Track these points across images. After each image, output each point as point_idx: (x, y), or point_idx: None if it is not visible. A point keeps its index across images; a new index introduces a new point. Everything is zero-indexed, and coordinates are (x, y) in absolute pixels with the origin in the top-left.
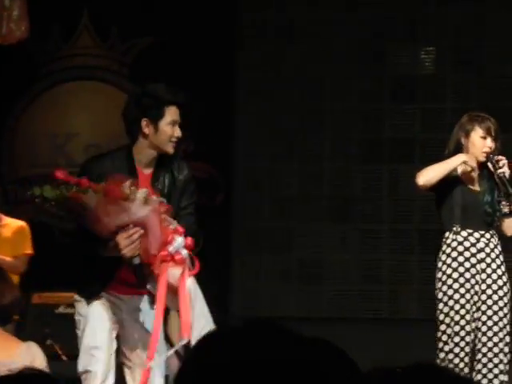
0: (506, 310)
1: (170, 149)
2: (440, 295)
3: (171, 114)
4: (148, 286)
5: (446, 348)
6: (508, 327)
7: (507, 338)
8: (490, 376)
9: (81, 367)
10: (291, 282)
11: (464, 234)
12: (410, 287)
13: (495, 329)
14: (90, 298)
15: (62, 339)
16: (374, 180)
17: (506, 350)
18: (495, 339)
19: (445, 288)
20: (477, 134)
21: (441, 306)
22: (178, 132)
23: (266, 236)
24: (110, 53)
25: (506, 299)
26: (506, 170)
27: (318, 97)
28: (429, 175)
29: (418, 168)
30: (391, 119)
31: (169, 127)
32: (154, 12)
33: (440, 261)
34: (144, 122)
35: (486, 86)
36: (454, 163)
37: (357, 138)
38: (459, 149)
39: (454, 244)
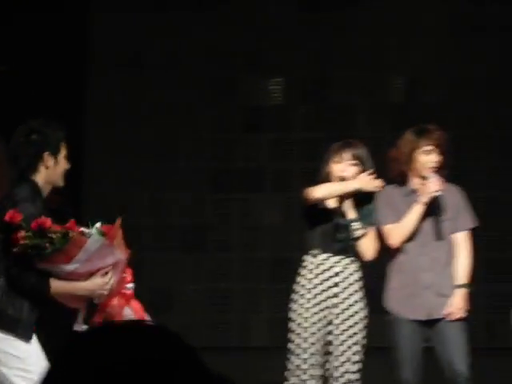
0: (359, 336)
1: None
2: (293, 317)
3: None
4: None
5: (296, 373)
6: (358, 355)
7: (356, 366)
8: None
9: None
10: None
11: (322, 257)
12: (259, 315)
13: (348, 354)
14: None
15: None
16: (225, 208)
17: (356, 375)
18: (347, 365)
19: (296, 307)
20: (336, 163)
21: (292, 326)
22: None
23: None
24: None
25: (360, 325)
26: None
27: (171, 124)
28: (327, 191)
29: (268, 196)
30: (242, 148)
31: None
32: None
33: (297, 284)
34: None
35: (332, 114)
36: (349, 188)
37: (208, 167)
38: (327, 178)
39: (311, 267)
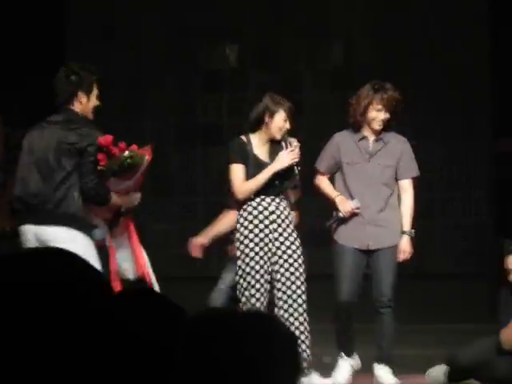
0: (299, 260)
1: None
2: (238, 254)
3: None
4: None
5: (243, 299)
6: (302, 276)
7: (303, 287)
8: (291, 319)
9: None
10: None
11: (257, 200)
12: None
13: (292, 278)
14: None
15: None
16: (189, 159)
17: (304, 297)
18: (293, 287)
19: (242, 247)
20: (280, 116)
21: (239, 262)
22: None
23: None
24: None
25: (298, 251)
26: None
27: (140, 87)
28: (254, 186)
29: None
30: (202, 107)
31: None
32: None
33: (239, 224)
34: None
35: (280, 77)
36: (271, 172)
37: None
38: (260, 123)
39: (250, 209)
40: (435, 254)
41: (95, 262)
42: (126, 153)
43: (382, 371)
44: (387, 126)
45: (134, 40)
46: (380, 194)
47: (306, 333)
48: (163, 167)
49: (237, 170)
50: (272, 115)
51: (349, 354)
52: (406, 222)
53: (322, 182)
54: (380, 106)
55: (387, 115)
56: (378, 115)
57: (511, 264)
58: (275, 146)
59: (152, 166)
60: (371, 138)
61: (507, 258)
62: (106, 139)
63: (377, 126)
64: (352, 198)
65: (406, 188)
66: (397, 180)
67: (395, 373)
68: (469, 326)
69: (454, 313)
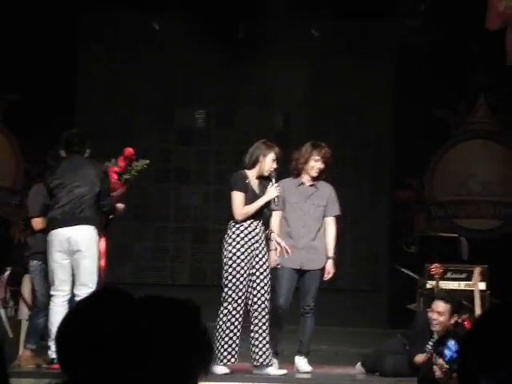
0: (268, 271)
1: None
2: (226, 260)
3: None
4: None
5: (228, 292)
6: (268, 284)
7: (268, 291)
8: (260, 316)
9: None
10: None
11: (248, 222)
12: (183, 265)
13: (261, 284)
14: None
15: None
16: (164, 193)
17: (268, 301)
18: (262, 291)
19: (230, 255)
20: (270, 157)
21: (226, 267)
22: None
23: None
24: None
25: (267, 264)
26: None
27: (130, 136)
28: (250, 211)
29: (193, 187)
30: (176, 155)
31: None
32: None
33: (231, 239)
34: None
35: (237, 135)
36: (262, 202)
37: (153, 167)
38: (255, 162)
39: (242, 228)
40: (345, 274)
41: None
42: (139, 162)
43: (301, 361)
44: (320, 175)
45: (128, 105)
46: (313, 227)
47: (266, 325)
48: (144, 198)
49: (239, 197)
50: (264, 156)
51: (276, 352)
52: (331, 249)
53: (274, 216)
54: (318, 157)
55: (322, 165)
56: (315, 165)
57: (436, 310)
58: (263, 181)
59: (135, 197)
60: (308, 183)
61: (435, 303)
62: (129, 151)
63: (314, 173)
64: (290, 229)
65: (330, 223)
66: (324, 217)
67: (310, 363)
68: (368, 330)
69: (356, 319)
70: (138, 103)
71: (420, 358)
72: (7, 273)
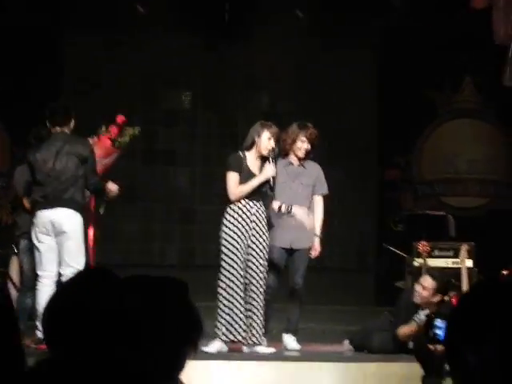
0: (265, 253)
1: None
2: (222, 241)
3: None
4: None
5: (224, 274)
6: (265, 265)
7: (264, 272)
8: (254, 295)
9: None
10: None
11: (243, 202)
12: (171, 245)
13: (260, 267)
14: None
15: None
16: (151, 175)
17: (264, 280)
18: (258, 271)
19: (226, 236)
20: (265, 135)
21: (222, 247)
22: None
23: None
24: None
25: (266, 247)
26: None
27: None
28: (245, 191)
29: (179, 168)
30: (163, 136)
31: None
32: None
33: (226, 220)
34: None
35: (223, 117)
36: (258, 181)
37: (140, 148)
38: (252, 143)
39: (236, 209)
40: (333, 253)
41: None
42: (132, 129)
43: (290, 339)
44: (307, 155)
45: (113, 88)
46: (301, 206)
47: (261, 305)
48: (131, 180)
49: (232, 177)
50: (259, 135)
51: (265, 331)
52: (318, 228)
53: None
54: (304, 138)
55: (309, 146)
56: (302, 145)
57: (422, 284)
58: (264, 162)
59: (123, 179)
60: (295, 163)
61: (423, 277)
62: (121, 118)
63: (301, 154)
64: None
65: (319, 202)
66: (312, 196)
67: (298, 341)
68: (355, 308)
69: (344, 297)
70: (124, 87)
71: (403, 329)
72: None
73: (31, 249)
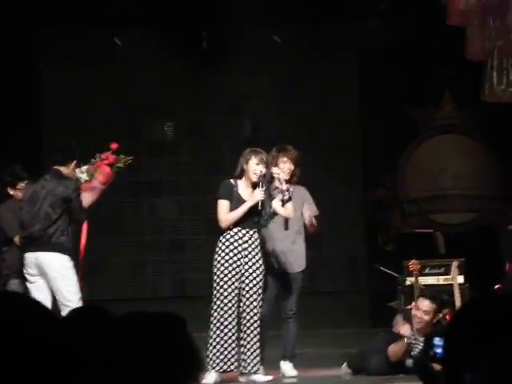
0: (260, 283)
1: None
2: (215, 270)
3: None
4: None
5: (216, 303)
6: (260, 294)
7: (259, 301)
8: (248, 324)
9: None
10: None
11: (235, 230)
12: (163, 276)
13: (254, 296)
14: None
15: None
16: (137, 207)
17: (258, 309)
18: (254, 303)
19: (219, 266)
20: (252, 161)
21: (215, 277)
22: None
23: None
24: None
25: (260, 276)
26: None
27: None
28: (235, 217)
29: (165, 198)
30: (147, 167)
31: None
32: None
33: (218, 248)
34: None
35: (206, 145)
36: (248, 206)
37: (126, 180)
38: (243, 170)
39: (228, 237)
40: (325, 276)
41: (73, 275)
42: (124, 156)
43: (287, 366)
44: (292, 178)
45: (94, 119)
46: (291, 230)
47: (256, 333)
48: (117, 213)
49: (222, 205)
50: (247, 162)
51: (262, 359)
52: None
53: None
54: (285, 159)
55: (292, 166)
56: (285, 165)
57: (422, 309)
58: (255, 188)
59: (109, 213)
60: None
61: (420, 301)
62: (115, 145)
63: (286, 175)
64: (269, 233)
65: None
66: (302, 218)
67: (296, 367)
68: (352, 330)
69: (339, 320)
70: (106, 118)
71: (392, 348)
72: None
73: (22, 287)
